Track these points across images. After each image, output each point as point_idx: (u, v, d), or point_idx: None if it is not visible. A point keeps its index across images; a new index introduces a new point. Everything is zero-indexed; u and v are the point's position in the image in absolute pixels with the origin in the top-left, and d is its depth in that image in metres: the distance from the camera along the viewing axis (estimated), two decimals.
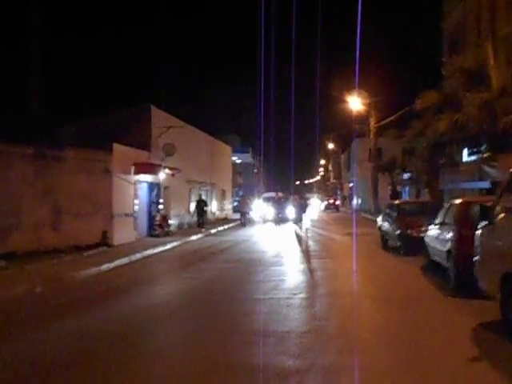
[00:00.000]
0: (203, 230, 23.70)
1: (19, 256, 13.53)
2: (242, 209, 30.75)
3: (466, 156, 22.66)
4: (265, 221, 32.03)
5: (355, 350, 5.52)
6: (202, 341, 5.98)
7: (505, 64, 15.44)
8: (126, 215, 18.14)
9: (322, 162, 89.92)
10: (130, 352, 5.50)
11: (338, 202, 59.41)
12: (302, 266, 12.35)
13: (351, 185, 63.05)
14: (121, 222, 17.55)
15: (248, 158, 46.06)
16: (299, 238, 20.33)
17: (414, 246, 13.06)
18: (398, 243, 14.09)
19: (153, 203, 20.76)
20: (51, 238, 15.06)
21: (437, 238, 10.07)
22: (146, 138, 20.50)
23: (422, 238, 12.55)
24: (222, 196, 35.74)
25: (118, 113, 20.63)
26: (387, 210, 16.65)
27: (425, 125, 17.03)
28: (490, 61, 15.24)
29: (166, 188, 22.40)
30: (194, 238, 21.00)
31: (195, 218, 25.00)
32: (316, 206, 57.66)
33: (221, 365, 5.02)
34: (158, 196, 21.31)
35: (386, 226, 15.76)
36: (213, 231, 24.58)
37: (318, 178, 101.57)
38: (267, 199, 35.56)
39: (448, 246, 9.05)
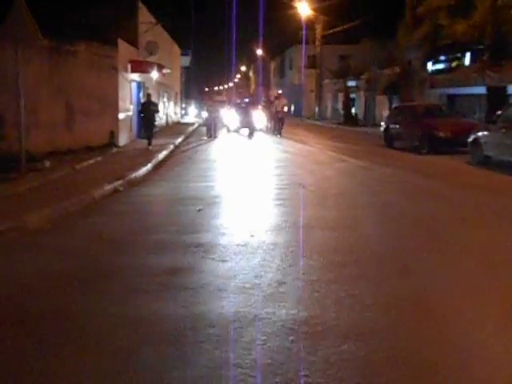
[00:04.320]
0: (150, 148, 15.81)
1: (38, 158, 12.98)
2: (210, 113, 23.05)
3: (430, 65, 24.15)
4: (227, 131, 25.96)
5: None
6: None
7: None
8: (127, 115, 17.71)
9: (243, 68, 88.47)
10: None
11: None
12: (345, 166, 13.28)
13: (280, 91, 63.77)
14: (123, 122, 17.16)
15: (187, 61, 44.24)
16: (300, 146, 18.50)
17: (439, 145, 14.24)
18: (416, 143, 15.08)
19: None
20: (66, 138, 14.53)
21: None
22: (134, 35, 19.42)
23: (449, 137, 14.11)
24: (176, 99, 35.00)
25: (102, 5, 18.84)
26: (395, 115, 17.74)
27: (432, 28, 17.56)
28: None
29: (146, 89, 21.71)
30: (179, 140, 21.06)
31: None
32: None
33: None
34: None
35: (397, 128, 16.68)
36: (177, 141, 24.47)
37: (231, 84, 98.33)
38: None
39: None
